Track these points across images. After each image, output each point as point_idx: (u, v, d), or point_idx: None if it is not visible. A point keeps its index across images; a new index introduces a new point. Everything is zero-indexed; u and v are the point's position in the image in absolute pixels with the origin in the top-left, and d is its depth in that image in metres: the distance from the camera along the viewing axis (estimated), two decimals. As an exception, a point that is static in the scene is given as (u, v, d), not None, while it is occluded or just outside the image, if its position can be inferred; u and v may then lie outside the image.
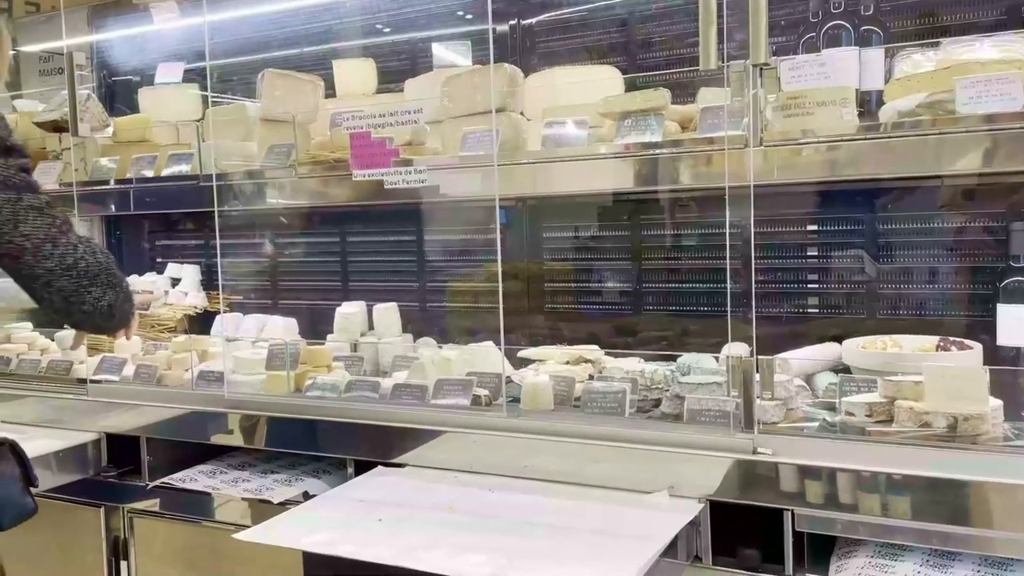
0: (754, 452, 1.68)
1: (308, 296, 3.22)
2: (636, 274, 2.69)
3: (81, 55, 2.75)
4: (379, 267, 3.15)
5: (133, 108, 3.17)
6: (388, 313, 2.76)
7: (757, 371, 1.74)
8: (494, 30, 2.70)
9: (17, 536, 1.67)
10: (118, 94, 3.51)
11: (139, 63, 3.39)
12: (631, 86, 2.36)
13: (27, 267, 1.50)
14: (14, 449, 1.59)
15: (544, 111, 2.23)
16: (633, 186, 1.99)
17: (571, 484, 1.83)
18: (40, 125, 3.00)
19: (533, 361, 2.40)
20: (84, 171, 2.86)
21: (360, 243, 3.18)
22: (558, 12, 2.77)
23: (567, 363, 2.32)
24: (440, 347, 2.62)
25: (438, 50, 2.67)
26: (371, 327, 2.79)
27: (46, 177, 2.89)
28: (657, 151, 1.91)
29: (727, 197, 1.73)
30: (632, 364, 2.26)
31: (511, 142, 2.19)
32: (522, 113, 2.33)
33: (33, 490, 1.69)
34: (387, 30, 3.09)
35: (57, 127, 2.96)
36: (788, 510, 1.63)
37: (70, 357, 2.72)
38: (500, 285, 2.11)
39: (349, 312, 2.76)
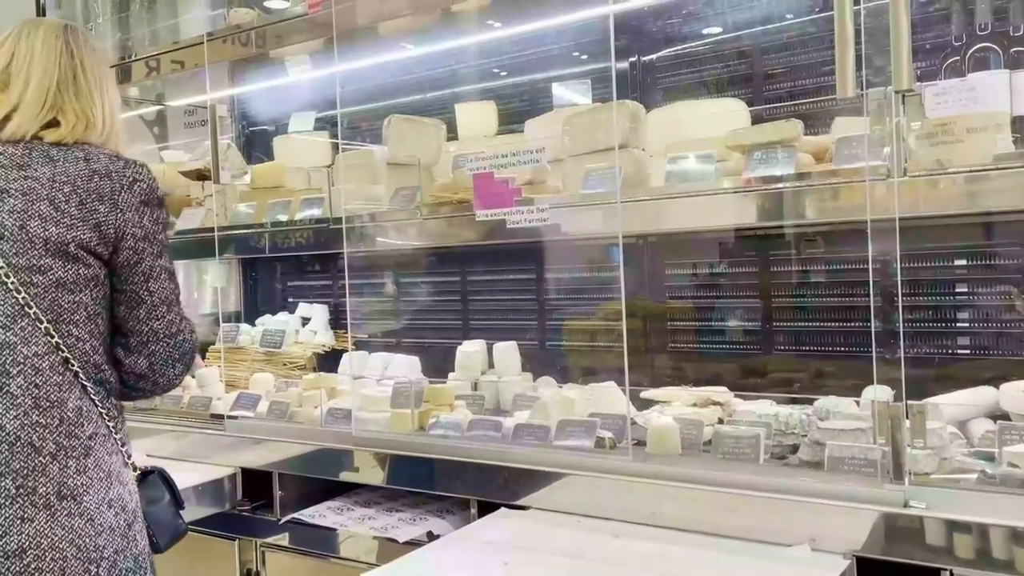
0: (905, 505, 1.55)
1: (430, 335, 3.26)
2: (765, 312, 2.58)
3: (223, 107, 2.94)
4: (499, 306, 3.16)
5: (269, 156, 3.35)
6: (508, 352, 2.76)
7: (906, 417, 1.62)
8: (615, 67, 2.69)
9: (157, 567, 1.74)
10: (255, 143, 3.72)
11: (275, 113, 3.59)
12: (757, 118, 2.29)
13: (136, 321, 1.53)
14: (162, 476, 1.66)
15: (668, 146, 2.18)
16: (765, 221, 1.91)
17: (702, 533, 1.75)
18: (185, 174, 3.21)
19: (657, 402, 2.33)
20: (224, 216, 3.03)
21: (480, 282, 3.21)
22: (680, 47, 2.73)
23: (694, 405, 2.23)
24: (560, 386, 2.59)
25: (558, 90, 2.69)
26: (491, 365, 2.80)
27: (190, 222, 3.08)
28: (791, 184, 1.83)
29: (869, 231, 1.64)
30: (764, 407, 2.15)
31: (633, 178, 2.16)
32: (643, 149, 2.31)
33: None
34: (505, 73, 3.14)
35: (201, 175, 3.16)
36: (946, 570, 1.50)
37: (209, 394, 2.85)
38: (624, 323, 2.07)
39: (470, 351, 2.78)
